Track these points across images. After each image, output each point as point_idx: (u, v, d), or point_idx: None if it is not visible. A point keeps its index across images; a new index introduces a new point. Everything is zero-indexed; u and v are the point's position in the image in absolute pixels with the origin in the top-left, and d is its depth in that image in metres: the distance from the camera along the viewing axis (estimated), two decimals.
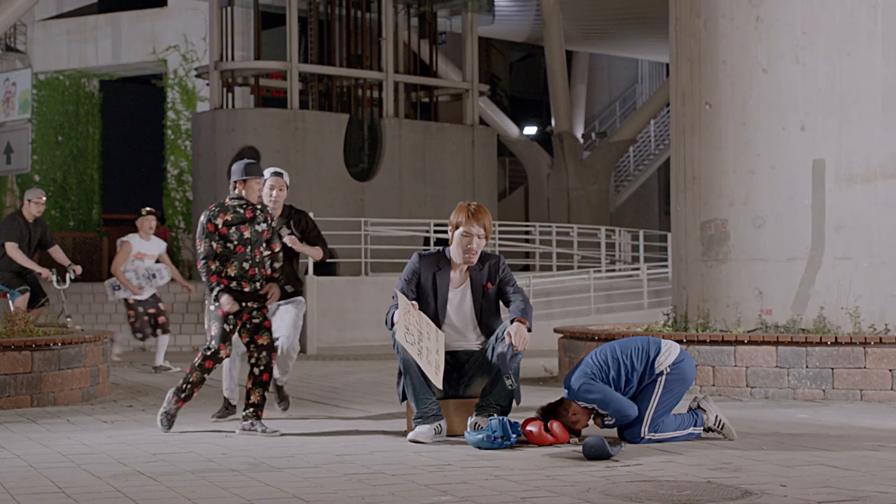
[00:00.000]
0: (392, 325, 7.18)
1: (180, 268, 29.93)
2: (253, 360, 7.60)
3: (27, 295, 12.24)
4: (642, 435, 6.87)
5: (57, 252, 12.77)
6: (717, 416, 7.03)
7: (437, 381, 6.95)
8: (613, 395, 6.87)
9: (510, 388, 7.07)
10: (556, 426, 6.86)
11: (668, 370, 6.98)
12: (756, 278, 10.28)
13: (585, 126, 36.14)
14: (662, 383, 6.96)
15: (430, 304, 7.22)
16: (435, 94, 27.32)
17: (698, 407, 7.08)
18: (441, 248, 7.42)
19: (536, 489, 5.30)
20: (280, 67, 24.58)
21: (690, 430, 6.97)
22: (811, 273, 10.07)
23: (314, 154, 23.39)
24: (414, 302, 7.12)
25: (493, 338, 7.10)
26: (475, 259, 7.26)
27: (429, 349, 6.96)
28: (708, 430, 7.04)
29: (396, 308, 7.18)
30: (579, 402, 6.92)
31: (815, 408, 8.85)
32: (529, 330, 7.00)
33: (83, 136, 31.49)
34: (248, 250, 7.60)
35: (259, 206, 7.74)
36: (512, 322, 6.98)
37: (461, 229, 7.22)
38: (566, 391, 7.02)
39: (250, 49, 26.88)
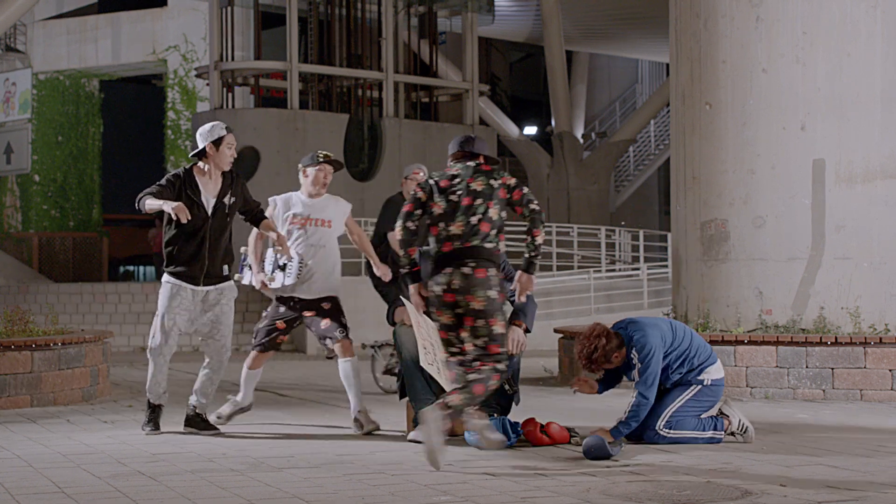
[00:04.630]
0: (392, 322, 7.18)
1: None
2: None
3: None
4: (657, 429, 6.77)
5: None
6: (740, 421, 6.92)
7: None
8: (653, 382, 6.68)
9: (508, 392, 7.06)
10: (553, 427, 6.85)
11: (710, 383, 6.90)
12: (756, 278, 10.28)
13: (585, 126, 36.13)
14: (696, 392, 6.85)
15: None
16: (435, 94, 27.33)
17: (720, 413, 6.96)
18: None
19: (536, 489, 5.30)
20: (280, 67, 24.58)
21: (711, 434, 6.82)
22: (811, 273, 10.07)
23: None
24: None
25: None
26: None
27: (441, 360, 6.93)
28: (731, 434, 6.92)
29: (396, 305, 7.18)
30: (629, 348, 6.73)
31: (815, 408, 8.84)
32: (528, 331, 6.98)
33: (83, 136, 31.50)
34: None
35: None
36: (509, 324, 6.95)
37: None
38: (625, 327, 6.85)
39: (250, 49, 26.89)
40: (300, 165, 7.86)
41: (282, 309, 7.69)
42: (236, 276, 7.79)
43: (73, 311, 20.11)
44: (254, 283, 7.73)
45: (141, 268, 38.87)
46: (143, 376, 12.74)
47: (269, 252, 7.65)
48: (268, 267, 7.60)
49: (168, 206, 7.15)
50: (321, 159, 7.78)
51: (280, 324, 7.69)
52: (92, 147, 31.68)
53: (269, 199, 7.91)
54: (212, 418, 7.69)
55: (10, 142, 25.23)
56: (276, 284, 7.59)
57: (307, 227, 7.68)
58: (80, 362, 9.82)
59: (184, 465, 6.07)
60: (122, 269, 38.26)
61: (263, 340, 7.73)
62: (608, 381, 6.99)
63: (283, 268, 7.51)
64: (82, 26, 30.62)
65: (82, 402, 9.70)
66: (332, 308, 7.64)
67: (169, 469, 5.97)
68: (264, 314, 7.82)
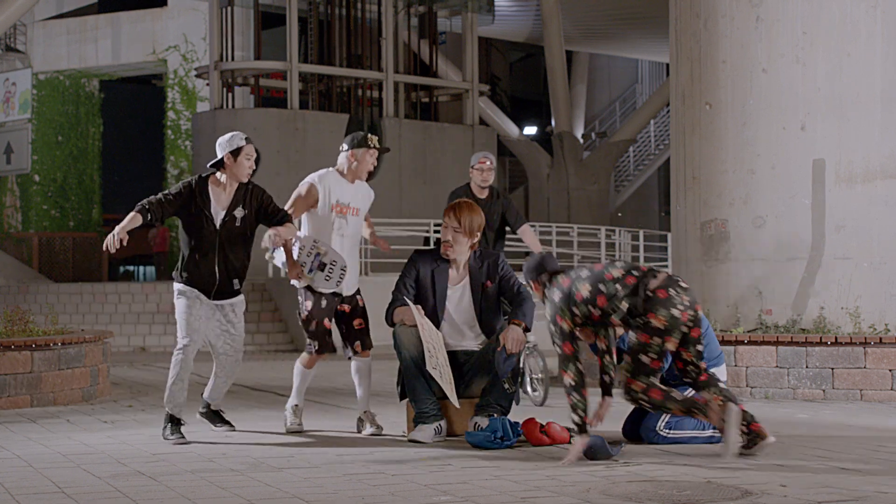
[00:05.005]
0: (392, 322, 7.17)
1: None
2: None
3: None
4: (657, 429, 6.75)
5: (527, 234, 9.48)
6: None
7: (454, 399, 6.94)
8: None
9: (508, 391, 7.06)
10: (553, 427, 6.85)
11: None
12: (756, 278, 10.28)
13: (585, 126, 36.14)
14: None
15: (429, 299, 7.21)
16: (435, 94, 27.33)
17: None
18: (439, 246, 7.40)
19: (536, 489, 5.30)
20: (280, 67, 24.59)
21: (711, 433, 6.70)
22: (811, 273, 10.07)
23: (314, 154, 23.38)
24: (418, 306, 7.09)
25: (494, 338, 7.08)
26: (450, 252, 7.21)
27: (442, 364, 6.96)
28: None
29: (396, 304, 7.18)
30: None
31: (815, 408, 8.84)
32: (528, 330, 6.98)
33: (83, 136, 31.51)
34: None
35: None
36: (508, 323, 6.97)
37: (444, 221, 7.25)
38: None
39: (250, 49, 26.90)
40: (346, 147, 7.43)
41: (324, 303, 7.38)
42: (267, 256, 7.44)
43: (73, 311, 20.11)
44: (289, 273, 7.37)
45: (141, 268, 38.86)
46: (142, 376, 12.76)
47: (310, 245, 7.27)
48: (305, 259, 7.24)
49: (115, 231, 6.86)
50: (373, 144, 7.39)
51: (327, 322, 7.40)
52: (92, 147, 31.68)
53: (307, 180, 7.43)
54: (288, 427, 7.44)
55: (10, 142, 25.24)
56: (314, 285, 7.29)
57: (347, 216, 7.37)
58: (80, 362, 9.82)
59: (184, 465, 6.07)
60: (122, 269, 38.26)
61: (318, 345, 7.43)
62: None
63: (322, 268, 7.21)
64: (82, 26, 30.63)
65: (82, 402, 9.70)
66: (363, 305, 7.48)
67: (169, 469, 5.97)
68: (305, 308, 7.37)
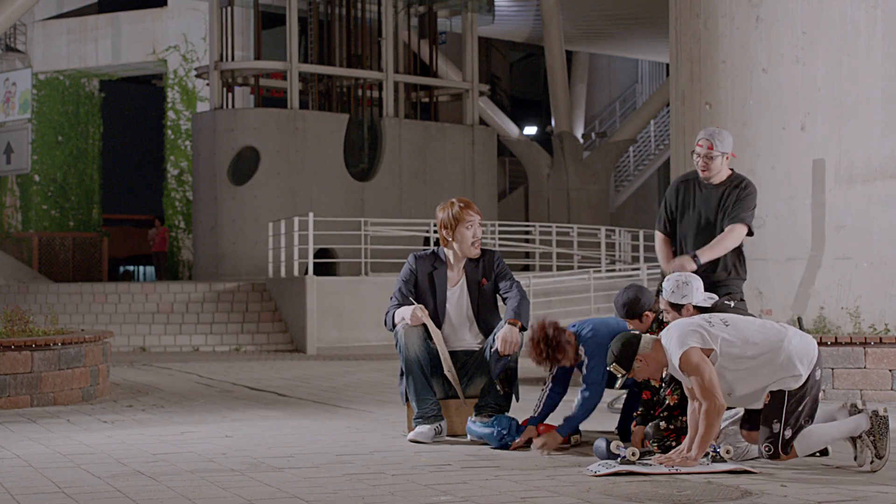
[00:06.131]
0: (393, 325, 7.16)
1: (180, 269, 29.93)
2: None
3: None
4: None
5: None
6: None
7: (463, 397, 7.00)
8: (601, 379, 6.51)
9: (500, 392, 7.04)
10: (549, 427, 6.80)
11: None
12: (756, 278, 10.26)
13: (585, 126, 36.15)
14: None
15: (430, 302, 7.20)
16: (435, 94, 27.34)
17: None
18: (434, 248, 7.38)
19: (536, 489, 5.30)
20: (280, 67, 24.60)
21: None
22: (811, 273, 10.07)
23: (314, 154, 23.38)
24: (421, 305, 7.09)
25: (490, 337, 7.06)
26: (479, 248, 7.22)
27: (451, 366, 7.02)
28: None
29: (396, 309, 7.17)
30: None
31: None
32: (524, 329, 6.96)
33: (83, 136, 31.53)
34: None
35: None
36: (505, 322, 6.95)
37: (464, 223, 7.14)
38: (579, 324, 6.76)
39: (250, 49, 26.91)
40: None
41: None
42: None
43: (73, 311, 20.11)
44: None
45: (141, 268, 38.89)
46: (142, 376, 12.75)
47: None
48: None
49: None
50: None
51: None
52: (92, 147, 31.70)
53: None
54: None
55: (10, 142, 25.26)
56: None
57: None
58: (80, 362, 9.82)
59: (184, 465, 6.07)
60: (122, 269, 38.29)
61: None
62: (563, 381, 6.87)
63: None
64: (82, 26, 30.64)
65: (82, 402, 9.69)
66: None
67: (169, 469, 5.97)
68: None
